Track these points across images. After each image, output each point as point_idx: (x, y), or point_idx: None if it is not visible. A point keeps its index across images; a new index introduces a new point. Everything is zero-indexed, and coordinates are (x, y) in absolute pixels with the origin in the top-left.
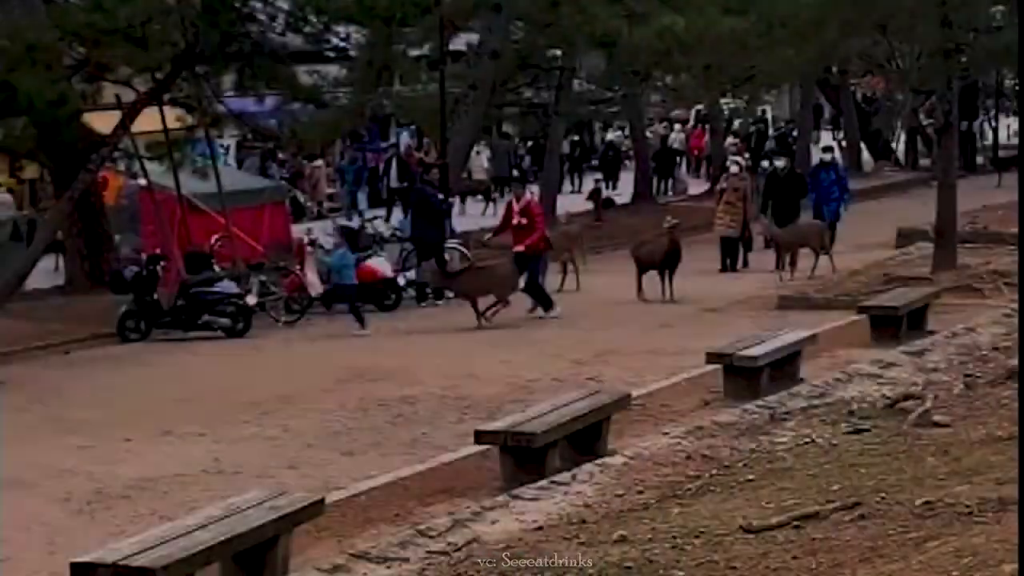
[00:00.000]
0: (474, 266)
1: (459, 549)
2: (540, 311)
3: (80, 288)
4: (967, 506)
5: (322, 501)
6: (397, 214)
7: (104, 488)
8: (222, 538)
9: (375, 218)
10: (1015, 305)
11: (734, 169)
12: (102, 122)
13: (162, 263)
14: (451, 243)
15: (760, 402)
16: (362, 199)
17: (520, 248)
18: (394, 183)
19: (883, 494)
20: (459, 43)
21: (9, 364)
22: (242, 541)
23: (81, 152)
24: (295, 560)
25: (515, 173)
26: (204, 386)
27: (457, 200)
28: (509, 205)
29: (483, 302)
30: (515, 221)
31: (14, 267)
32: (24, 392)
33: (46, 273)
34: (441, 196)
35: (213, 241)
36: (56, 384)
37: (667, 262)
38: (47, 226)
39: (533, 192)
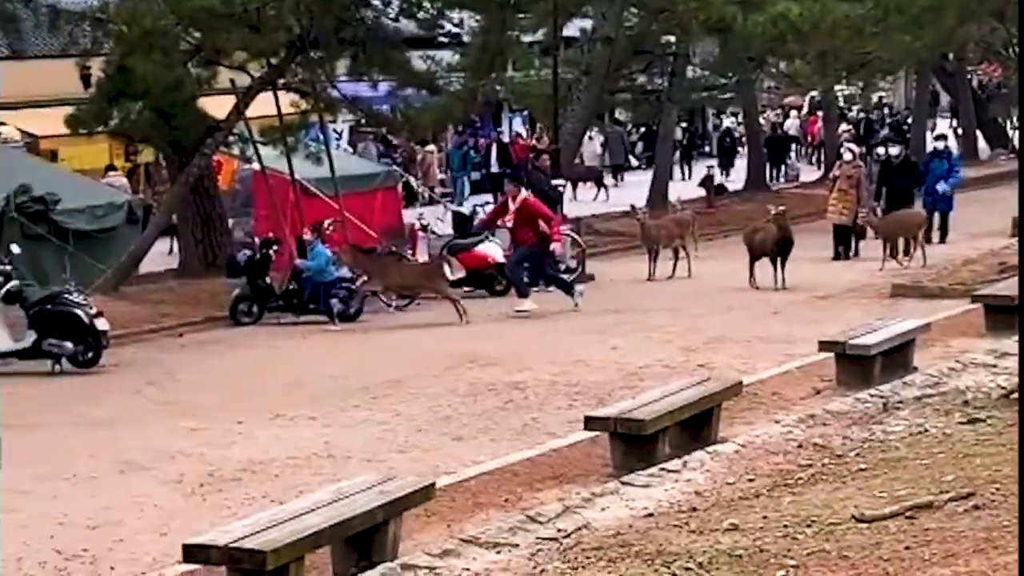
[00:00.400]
0: (399, 258)
1: (569, 535)
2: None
3: (194, 271)
4: None
5: (432, 486)
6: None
7: (216, 471)
8: (332, 522)
9: (487, 203)
10: None
11: (847, 156)
12: (217, 107)
13: (275, 247)
14: (562, 229)
15: (873, 391)
16: (466, 185)
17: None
18: (494, 169)
19: (998, 485)
20: (572, 29)
21: (124, 347)
22: (352, 525)
23: (196, 136)
24: (404, 544)
25: (630, 160)
26: (315, 370)
27: (568, 186)
28: (505, 201)
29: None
30: (510, 219)
31: (129, 250)
32: (138, 375)
33: (161, 256)
34: (559, 182)
35: (325, 225)
36: (169, 367)
37: (779, 249)
38: (162, 210)
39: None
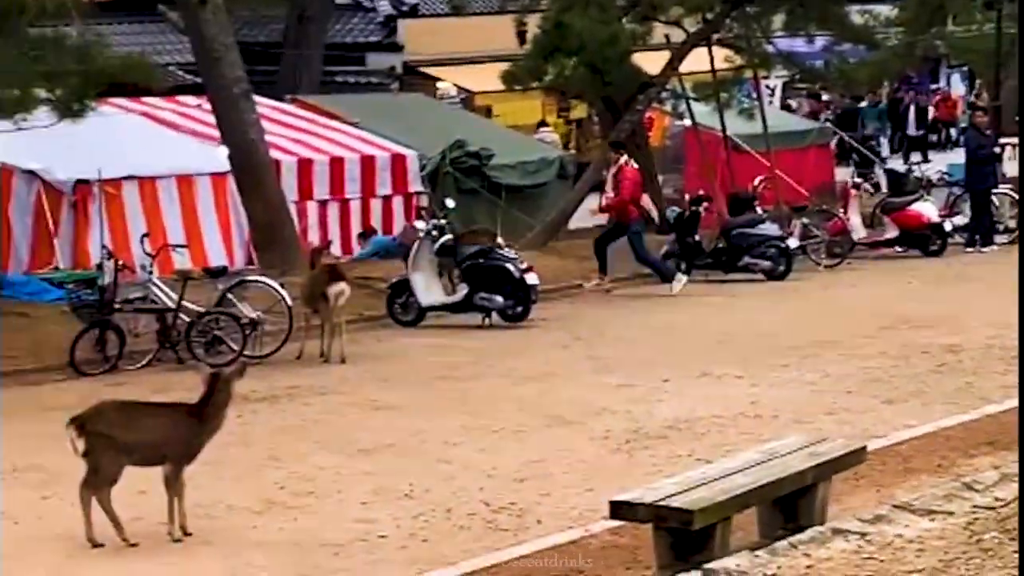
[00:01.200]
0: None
1: (1006, 505)
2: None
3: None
4: None
5: (863, 449)
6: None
7: (642, 427)
8: (761, 482)
9: (921, 162)
10: None
11: None
12: (650, 62)
13: (705, 204)
14: (1000, 189)
15: None
16: (884, 143)
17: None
18: (911, 131)
19: None
20: None
21: (553, 301)
22: (781, 486)
23: (629, 92)
24: (833, 508)
25: None
26: (743, 328)
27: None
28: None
29: None
30: (609, 190)
31: (560, 206)
32: (566, 330)
33: (591, 213)
34: (1006, 140)
35: (756, 183)
36: (597, 322)
37: None
38: (593, 166)
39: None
